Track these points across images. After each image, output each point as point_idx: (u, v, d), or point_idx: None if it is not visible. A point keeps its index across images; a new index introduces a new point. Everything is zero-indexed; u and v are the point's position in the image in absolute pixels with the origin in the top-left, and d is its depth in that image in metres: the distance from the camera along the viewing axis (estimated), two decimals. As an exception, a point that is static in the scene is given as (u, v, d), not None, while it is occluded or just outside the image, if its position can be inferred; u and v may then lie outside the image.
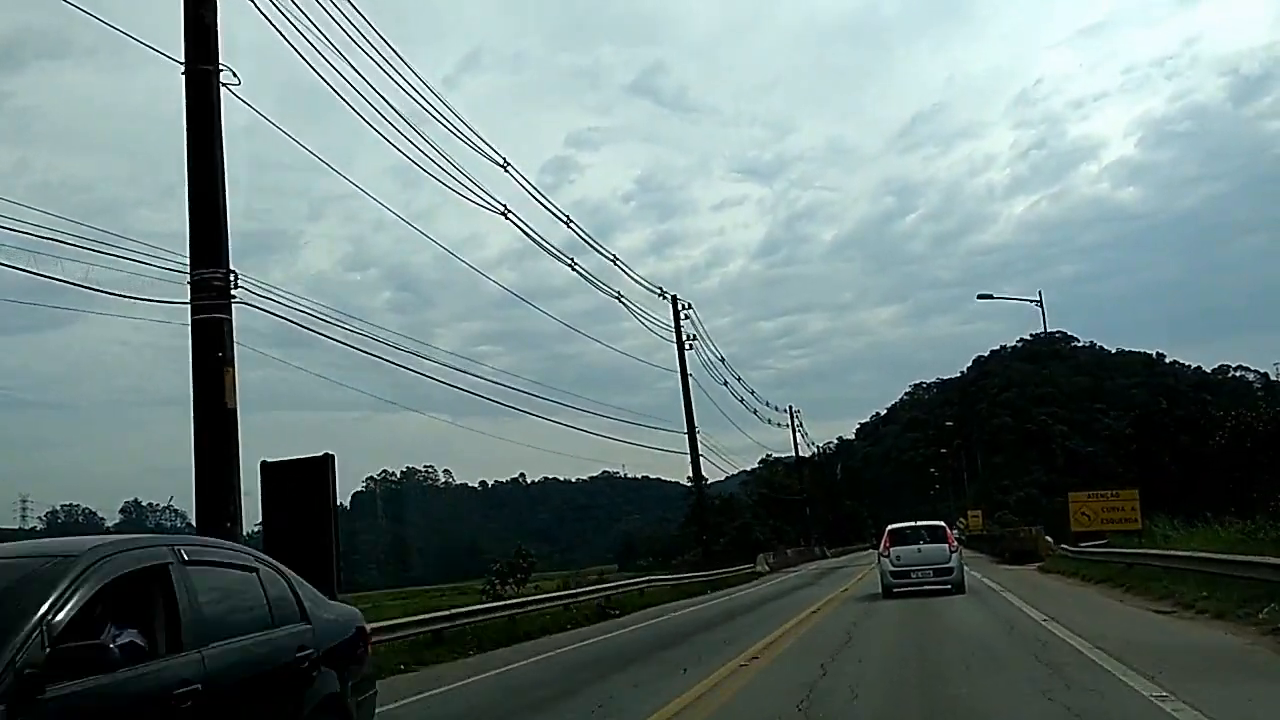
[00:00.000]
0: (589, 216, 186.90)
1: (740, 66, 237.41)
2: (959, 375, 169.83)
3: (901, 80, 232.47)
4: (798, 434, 70.74)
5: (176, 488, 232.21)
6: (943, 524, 24.26)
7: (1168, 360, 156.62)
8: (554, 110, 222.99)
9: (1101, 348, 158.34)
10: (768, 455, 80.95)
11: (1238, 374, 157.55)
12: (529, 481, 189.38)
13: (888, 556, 22.47)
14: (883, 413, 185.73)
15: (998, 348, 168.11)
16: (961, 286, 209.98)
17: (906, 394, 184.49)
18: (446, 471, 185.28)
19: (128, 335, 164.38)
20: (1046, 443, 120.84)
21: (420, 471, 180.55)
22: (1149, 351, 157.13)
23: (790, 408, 70.93)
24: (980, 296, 43.68)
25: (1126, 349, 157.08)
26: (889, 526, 23.98)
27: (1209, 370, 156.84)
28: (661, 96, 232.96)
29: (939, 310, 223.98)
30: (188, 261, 12.59)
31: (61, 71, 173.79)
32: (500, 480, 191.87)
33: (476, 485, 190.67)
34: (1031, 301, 42.38)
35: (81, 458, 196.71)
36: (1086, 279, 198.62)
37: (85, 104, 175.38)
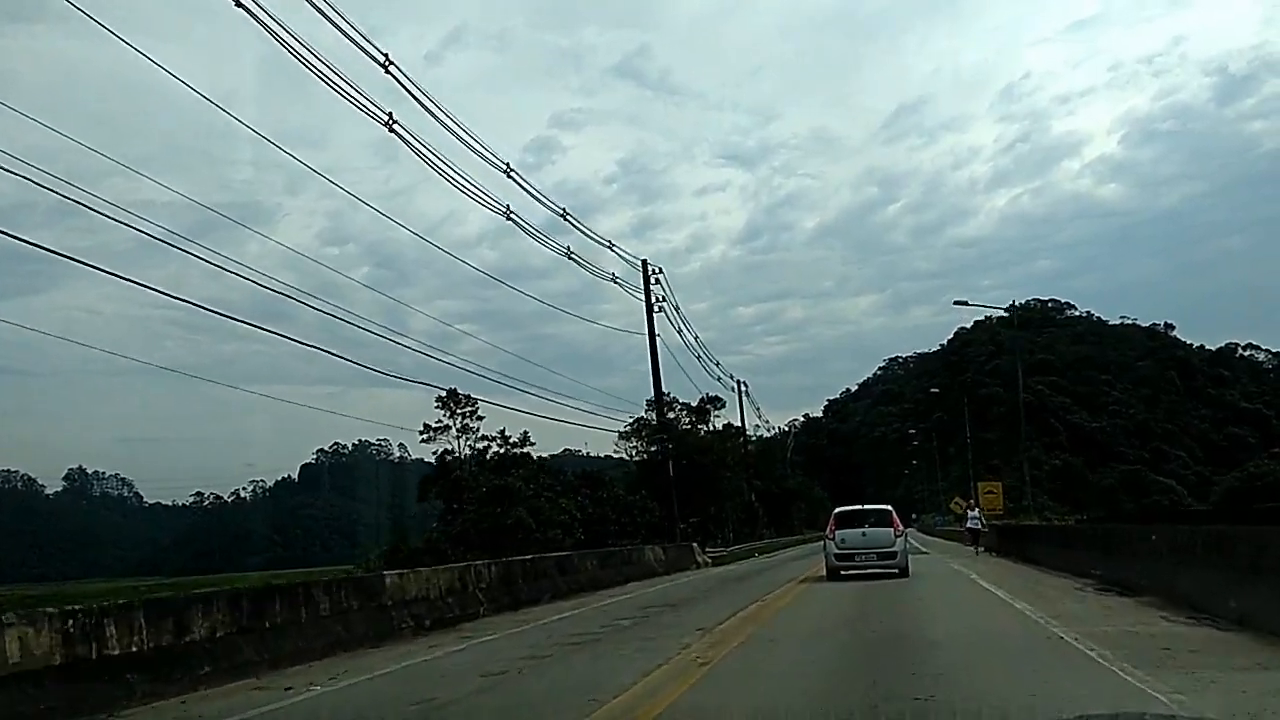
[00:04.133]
0: (570, 198, 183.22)
1: (725, 52, 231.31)
2: (939, 348, 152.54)
3: (888, 70, 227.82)
4: (656, 326, 37.20)
5: (130, 457, 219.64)
6: (889, 508, 23.37)
7: (1174, 334, 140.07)
8: (537, 90, 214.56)
9: (1099, 318, 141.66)
10: (670, 395, 58.86)
11: (1247, 353, 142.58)
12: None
13: (832, 539, 22.42)
14: (854, 389, 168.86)
15: (983, 319, 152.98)
16: (941, 278, 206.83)
17: (880, 369, 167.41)
18: (401, 445, 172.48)
19: (98, 305, 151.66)
20: (1045, 416, 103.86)
21: (373, 445, 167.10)
22: (1155, 323, 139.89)
23: (648, 270, 36.90)
24: (957, 303, 34.92)
25: (1129, 319, 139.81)
26: (835, 510, 24.01)
27: (1213, 349, 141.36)
28: (646, 79, 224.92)
29: (917, 301, 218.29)
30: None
31: (33, 36, 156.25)
32: (460, 455, 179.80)
33: (432, 459, 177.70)
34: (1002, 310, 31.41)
35: (35, 425, 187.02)
36: (1065, 275, 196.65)
37: (56, 69, 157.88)
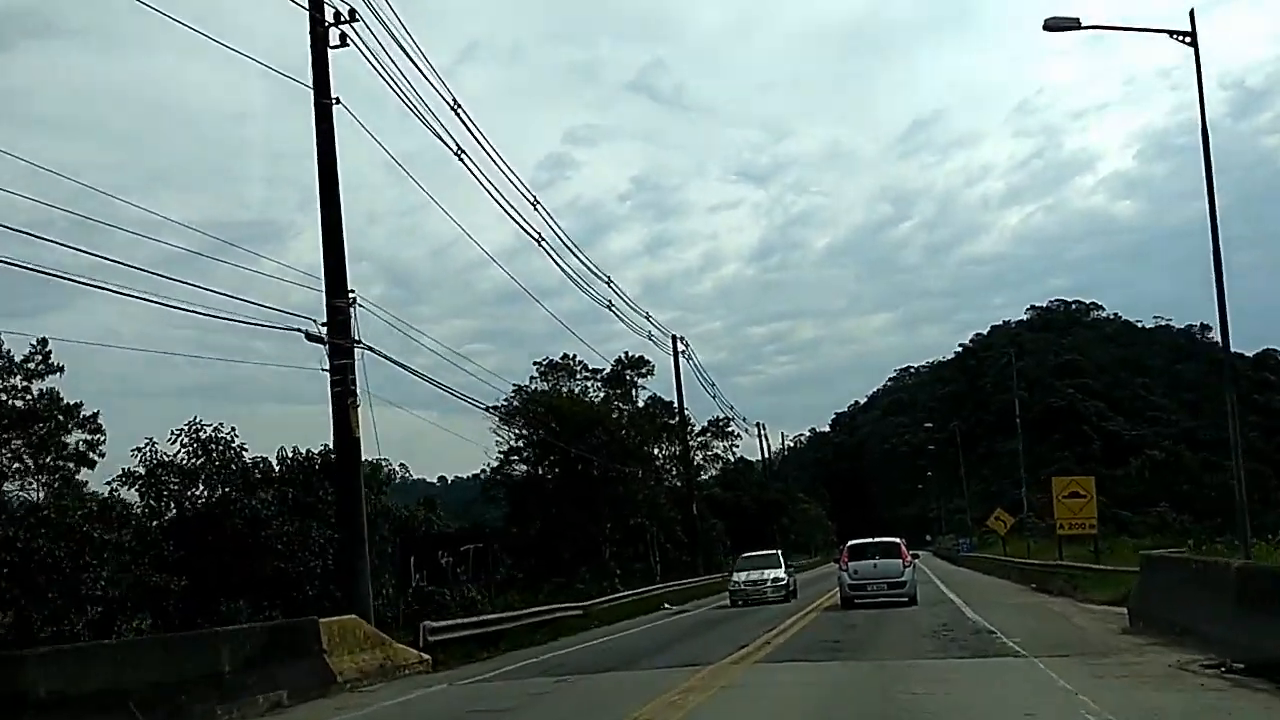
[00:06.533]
0: (585, 214, 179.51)
1: (739, 67, 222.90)
2: (954, 354, 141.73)
3: (901, 85, 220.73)
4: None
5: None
6: (898, 541, 25.25)
7: (1211, 337, 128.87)
8: (551, 106, 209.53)
9: (1128, 321, 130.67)
10: (575, 357, 42.92)
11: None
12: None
13: (846, 571, 24.44)
14: (862, 401, 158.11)
15: (999, 323, 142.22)
16: (953, 297, 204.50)
17: (890, 379, 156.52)
18: (403, 465, 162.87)
19: (117, 324, 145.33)
20: (1076, 423, 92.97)
21: (371, 465, 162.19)
22: (1192, 324, 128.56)
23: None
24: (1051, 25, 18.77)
25: (1163, 319, 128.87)
26: (848, 543, 26.19)
27: (1249, 355, 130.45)
28: (659, 95, 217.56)
29: (929, 320, 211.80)
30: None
31: (50, 52, 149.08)
32: (460, 476, 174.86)
33: (435, 480, 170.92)
34: (1177, 35, 18.61)
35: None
36: (1078, 292, 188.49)
37: (74, 86, 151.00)
